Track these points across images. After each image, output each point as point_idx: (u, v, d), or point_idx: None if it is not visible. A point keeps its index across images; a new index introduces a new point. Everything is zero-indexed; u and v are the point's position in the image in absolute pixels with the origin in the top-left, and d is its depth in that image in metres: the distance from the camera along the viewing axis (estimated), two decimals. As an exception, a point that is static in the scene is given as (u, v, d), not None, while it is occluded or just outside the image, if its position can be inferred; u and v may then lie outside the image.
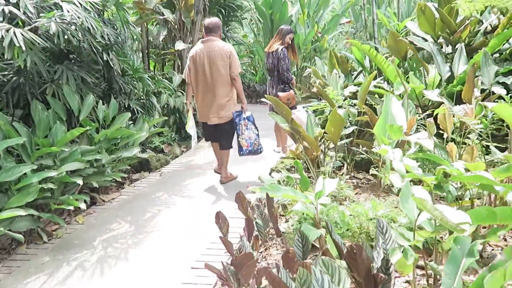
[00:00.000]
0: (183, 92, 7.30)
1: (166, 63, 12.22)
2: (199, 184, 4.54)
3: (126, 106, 5.63)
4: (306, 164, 4.09)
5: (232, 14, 12.37)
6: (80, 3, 3.99)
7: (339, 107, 3.87)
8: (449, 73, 4.05)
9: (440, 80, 4.52)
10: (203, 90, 4.32)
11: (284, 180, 3.15)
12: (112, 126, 4.37)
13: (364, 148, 3.82)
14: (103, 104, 4.73)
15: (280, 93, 5.09)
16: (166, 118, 5.96)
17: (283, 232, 2.92)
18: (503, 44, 4.25)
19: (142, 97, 6.21)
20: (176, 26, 8.21)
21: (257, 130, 4.35)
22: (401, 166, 1.94)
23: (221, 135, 4.44)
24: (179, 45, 7.17)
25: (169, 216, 3.71)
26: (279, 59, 5.00)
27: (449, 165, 2.14)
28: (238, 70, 4.27)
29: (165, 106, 7.19)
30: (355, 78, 6.04)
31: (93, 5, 4.31)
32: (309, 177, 3.97)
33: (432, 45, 4.35)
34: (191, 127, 4.44)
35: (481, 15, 5.12)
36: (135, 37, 5.90)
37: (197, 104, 4.51)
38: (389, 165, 1.98)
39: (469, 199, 2.29)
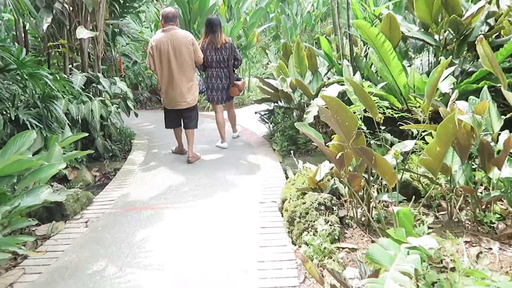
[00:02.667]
0: (89, 96, 5.38)
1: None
2: (159, 238, 2.88)
3: (13, 118, 3.63)
4: (338, 197, 2.83)
5: (128, 5, 10.43)
6: None
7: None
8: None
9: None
10: (169, 77, 4.52)
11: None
12: (2, 155, 2.48)
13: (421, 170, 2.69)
14: (-25, 117, 2.79)
15: (237, 82, 5.14)
16: (87, 134, 4.04)
17: None
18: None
19: (34, 104, 4.17)
20: (70, 9, 6.13)
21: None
22: None
23: (188, 117, 4.73)
24: (82, 33, 5.19)
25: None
26: (233, 49, 5.01)
27: None
28: (202, 55, 4.65)
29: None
30: (325, 75, 4.98)
31: None
32: (350, 220, 2.71)
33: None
34: None
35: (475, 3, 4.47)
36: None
37: (163, 92, 4.67)
38: None
39: None
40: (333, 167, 2.72)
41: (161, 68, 4.46)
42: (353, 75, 4.72)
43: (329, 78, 4.97)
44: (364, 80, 4.39)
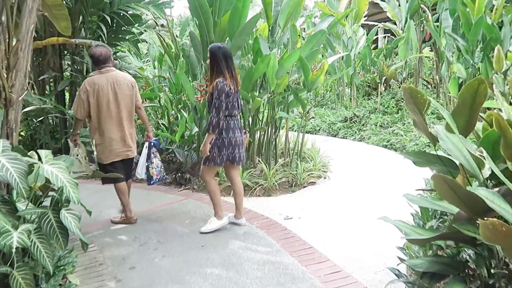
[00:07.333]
0: None
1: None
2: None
3: None
4: None
5: (123, 29, 7.31)
6: None
7: None
8: None
9: None
10: (112, 125, 3.86)
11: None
12: None
13: None
14: None
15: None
16: None
17: None
18: None
19: None
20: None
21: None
22: None
23: (130, 167, 4.18)
24: None
25: None
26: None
27: None
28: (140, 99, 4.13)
29: None
30: None
31: None
32: None
33: None
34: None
35: None
36: None
37: (105, 143, 3.87)
38: None
39: None
40: None
41: (99, 116, 3.79)
42: None
43: None
44: None
